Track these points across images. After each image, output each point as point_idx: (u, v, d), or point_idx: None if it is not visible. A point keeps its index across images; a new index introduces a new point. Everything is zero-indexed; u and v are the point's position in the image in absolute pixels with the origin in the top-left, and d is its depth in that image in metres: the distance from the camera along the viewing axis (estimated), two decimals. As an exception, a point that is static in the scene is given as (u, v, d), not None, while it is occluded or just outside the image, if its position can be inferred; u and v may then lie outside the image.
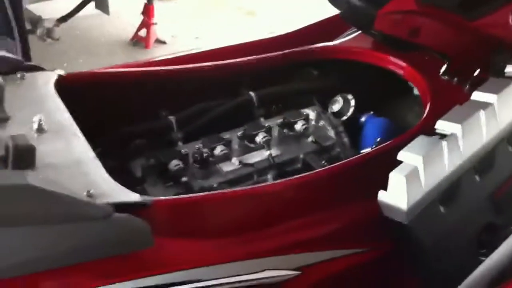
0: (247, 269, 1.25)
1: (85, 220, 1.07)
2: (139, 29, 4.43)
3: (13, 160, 1.12)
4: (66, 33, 4.23)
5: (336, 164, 1.48)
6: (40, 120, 1.29)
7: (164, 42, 4.48)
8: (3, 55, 1.57)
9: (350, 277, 1.43)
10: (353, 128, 1.82)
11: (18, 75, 1.49)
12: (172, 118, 1.65)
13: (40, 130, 1.28)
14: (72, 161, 1.22)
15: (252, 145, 1.62)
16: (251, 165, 1.55)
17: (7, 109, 1.34)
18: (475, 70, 1.76)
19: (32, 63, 1.61)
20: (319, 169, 1.51)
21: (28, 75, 1.51)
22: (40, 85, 1.48)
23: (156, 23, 4.39)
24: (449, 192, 1.41)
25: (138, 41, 4.44)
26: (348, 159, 1.54)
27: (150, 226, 1.13)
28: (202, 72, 1.78)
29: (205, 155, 1.52)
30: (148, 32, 4.38)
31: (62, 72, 1.54)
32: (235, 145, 1.62)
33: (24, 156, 1.15)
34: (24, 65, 1.55)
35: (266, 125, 1.66)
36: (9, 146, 1.13)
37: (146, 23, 4.38)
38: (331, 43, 2.00)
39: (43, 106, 1.39)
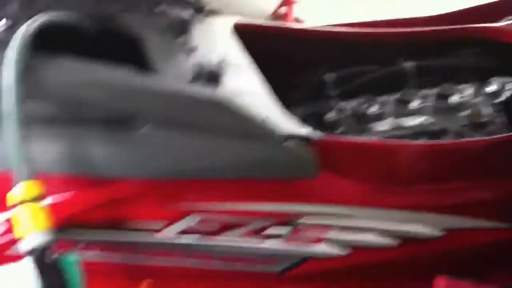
0: (397, 219, 1.29)
1: (262, 141, 1.18)
2: (280, 6, 4.56)
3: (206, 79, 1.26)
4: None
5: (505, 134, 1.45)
6: (222, 55, 1.42)
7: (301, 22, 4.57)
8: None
9: (490, 252, 1.42)
10: (508, 111, 1.77)
11: (201, 16, 1.64)
12: (331, 75, 1.72)
13: (226, 64, 1.41)
14: (250, 92, 1.34)
15: (406, 110, 1.64)
16: (405, 128, 1.58)
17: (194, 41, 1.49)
18: None
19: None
20: (492, 136, 1.48)
21: (209, 18, 1.66)
22: (221, 27, 1.62)
23: (296, 1, 4.50)
24: None
25: (277, 18, 4.57)
26: None
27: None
28: (365, 37, 1.83)
29: (361, 112, 1.57)
30: (288, 10, 4.50)
31: (241, 19, 1.67)
32: (390, 108, 1.65)
33: (212, 78, 1.28)
34: (206, 10, 1.69)
35: (422, 93, 1.67)
36: (203, 68, 1.27)
37: (287, 1, 4.49)
38: (495, 24, 1.95)
39: (223, 45, 1.52)
